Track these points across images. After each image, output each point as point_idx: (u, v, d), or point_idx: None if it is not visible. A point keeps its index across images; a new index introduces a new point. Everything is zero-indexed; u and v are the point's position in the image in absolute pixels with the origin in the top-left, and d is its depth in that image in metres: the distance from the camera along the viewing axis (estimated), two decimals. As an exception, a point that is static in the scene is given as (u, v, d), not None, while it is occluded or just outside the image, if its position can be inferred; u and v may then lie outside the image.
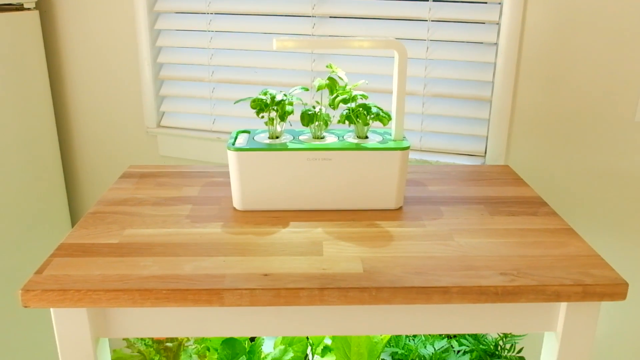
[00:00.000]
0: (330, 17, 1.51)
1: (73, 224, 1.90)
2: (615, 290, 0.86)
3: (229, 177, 1.24)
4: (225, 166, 1.29)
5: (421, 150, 1.52)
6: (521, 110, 1.41)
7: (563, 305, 0.90)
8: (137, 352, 1.05)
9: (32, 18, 1.66)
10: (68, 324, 0.87)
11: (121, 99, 1.73)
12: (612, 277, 0.87)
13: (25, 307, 0.83)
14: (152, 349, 1.04)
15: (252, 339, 1.14)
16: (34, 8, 1.67)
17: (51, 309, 0.86)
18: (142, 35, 1.64)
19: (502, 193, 1.19)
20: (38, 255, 1.77)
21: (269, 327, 0.90)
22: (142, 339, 1.07)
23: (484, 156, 1.47)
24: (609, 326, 1.47)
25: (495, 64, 1.40)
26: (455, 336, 1.13)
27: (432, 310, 0.90)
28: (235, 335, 0.90)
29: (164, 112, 1.73)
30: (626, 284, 0.86)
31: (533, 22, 1.34)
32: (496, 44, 1.39)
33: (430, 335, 1.12)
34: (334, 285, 0.84)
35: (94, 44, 1.71)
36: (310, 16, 1.51)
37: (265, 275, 0.86)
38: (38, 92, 1.70)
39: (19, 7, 1.64)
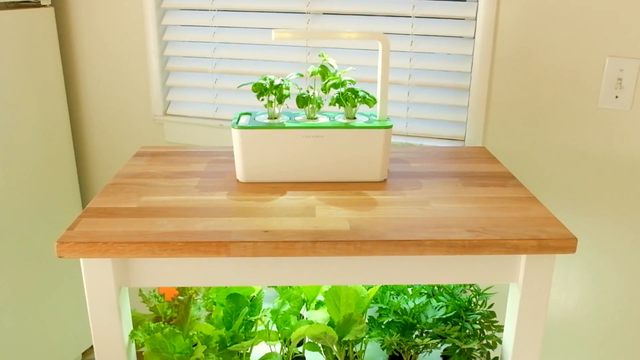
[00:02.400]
0: (324, 13, 1.65)
1: (84, 205, 2.03)
2: (567, 244, 1.00)
3: (232, 156, 1.37)
4: (228, 147, 1.43)
5: (407, 135, 1.66)
6: (496, 97, 1.55)
7: (523, 258, 1.04)
8: (152, 307, 1.19)
9: (48, 14, 1.80)
10: (95, 274, 1.01)
11: (130, 89, 1.87)
12: (564, 233, 1.01)
13: (60, 257, 0.97)
14: (165, 304, 1.18)
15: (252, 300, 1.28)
16: (50, 5, 1.81)
17: (81, 260, 0.99)
18: (150, 30, 1.78)
19: (476, 169, 1.33)
20: (51, 233, 1.90)
21: (269, 277, 1.04)
22: (155, 295, 1.20)
23: (464, 140, 1.61)
24: (565, 282, 1.61)
25: (473, 56, 1.54)
26: (433, 294, 1.27)
27: (409, 262, 1.04)
28: (239, 284, 1.04)
29: (170, 101, 1.87)
30: (575, 239, 1.00)
31: (506, 18, 1.48)
32: (473, 38, 1.53)
33: (411, 294, 1.26)
34: (325, 239, 0.98)
35: (105, 39, 1.84)
36: (305, 13, 1.65)
37: (266, 231, 1.00)
38: (52, 83, 1.84)
39: (36, 4, 1.77)
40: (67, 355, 2.08)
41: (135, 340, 1.08)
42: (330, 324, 1.14)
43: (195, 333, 1.09)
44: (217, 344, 1.10)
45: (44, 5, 1.79)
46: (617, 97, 1.44)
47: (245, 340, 1.11)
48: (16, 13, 1.69)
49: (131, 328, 1.10)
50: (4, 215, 1.73)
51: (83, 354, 2.23)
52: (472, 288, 1.26)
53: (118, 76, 1.87)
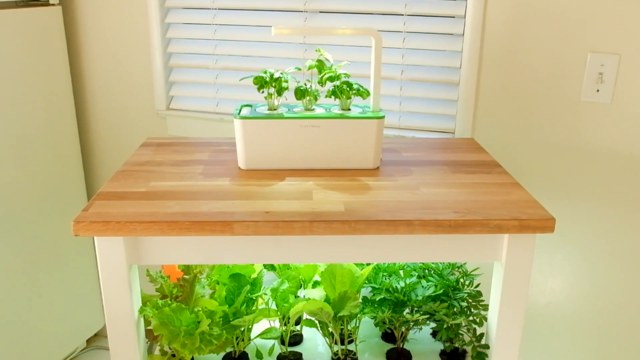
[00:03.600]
0: (320, 12, 1.73)
1: (89, 194, 2.11)
2: (546, 224, 1.08)
3: (233, 146, 1.45)
4: (229, 138, 1.51)
5: (400, 128, 1.74)
6: (484, 91, 1.63)
7: (505, 238, 1.12)
8: (159, 286, 1.26)
9: (55, 13, 1.87)
10: (108, 252, 1.08)
11: (134, 85, 1.95)
12: (543, 214, 1.09)
13: (76, 235, 1.04)
14: (170, 284, 1.25)
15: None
16: (58, 4, 1.88)
17: (95, 238, 1.07)
18: (154, 28, 1.86)
19: (464, 158, 1.42)
20: (58, 223, 1.98)
21: (269, 255, 1.11)
22: (161, 276, 1.27)
23: (454, 132, 1.69)
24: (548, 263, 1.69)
25: (462, 52, 1.62)
26: (424, 276, 1.35)
27: (400, 241, 1.11)
28: (242, 262, 1.12)
29: (172, 96, 1.94)
30: (553, 219, 1.08)
31: (493, 16, 1.56)
32: (462, 35, 1.61)
33: (403, 276, 1.34)
34: (321, 219, 1.06)
35: (110, 37, 1.92)
36: (302, 11, 1.73)
37: (266, 212, 1.08)
38: (60, 78, 1.91)
39: (45, 3, 1.85)
40: (72, 342, 2.15)
41: (144, 315, 1.16)
42: (327, 301, 1.21)
43: (200, 309, 1.17)
44: (221, 319, 1.17)
45: (53, 4, 1.86)
46: (598, 90, 1.52)
47: (247, 315, 1.19)
48: (26, 11, 1.77)
49: (140, 304, 1.17)
50: (13, 206, 1.81)
51: (87, 341, 2.31)
52: (460, 269, 1.34)
53: (123, 72, 1.95)
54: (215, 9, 1.81)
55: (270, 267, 1.36)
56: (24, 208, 1.85)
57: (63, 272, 2.04)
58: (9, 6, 1.75)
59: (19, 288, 1.87)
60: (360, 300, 1.25)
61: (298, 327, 1.35)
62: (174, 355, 1.22)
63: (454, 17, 1.63)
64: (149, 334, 1.26)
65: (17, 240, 1.83)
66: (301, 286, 1.34)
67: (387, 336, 1.34)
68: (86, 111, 2.03)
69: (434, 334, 1.35)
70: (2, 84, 1.72)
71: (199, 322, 1.16)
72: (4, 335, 1.83)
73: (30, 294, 1.91)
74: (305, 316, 1.28)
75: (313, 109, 1.33)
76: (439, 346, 1.32)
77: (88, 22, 1.93)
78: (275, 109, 1.32)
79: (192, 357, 1.24)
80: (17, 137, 1.78)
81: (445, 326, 1.23)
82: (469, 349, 1.27)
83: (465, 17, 1.59)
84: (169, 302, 1.16)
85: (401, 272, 1.36)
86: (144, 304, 1.18)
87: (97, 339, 2.35)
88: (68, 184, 2.00)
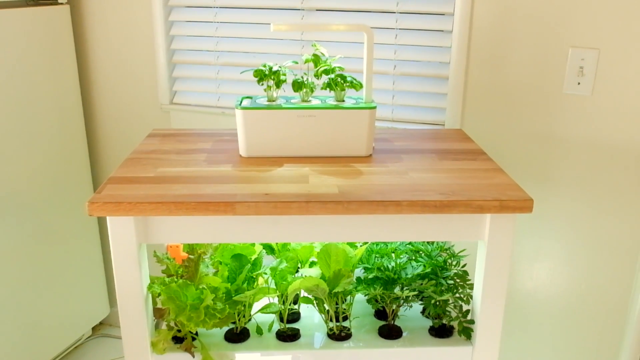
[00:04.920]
0: (317, 10, 1.82)
1: (95, 186, 2.19)
2: (524, 204, 1.17)
3: (234, 137, 1.54)
4: (231, 129, 1.60)
5: (392, 120, 1.82)
6: (472, 85, 1.72)
7: (487, 218, 1.20)
8: (165, 267, 1.35)
9: (64, 11, 1.96)
10: (119, 231, 1.17)
11: (139, 80, 2.03)
12: (522, 195, 1.18)
13: (90, 215, 1.13)
14: (176, 265, 1.34)
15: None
16: (66, 3, 1.97)
17: (107, 218, 1.16)
18: (158, 26, 1.94)
19: (452, 147, 1.50)
20: (65, 212, 2.07)
21: (269, 234, 1.20)
22: (167, 257, 1.36)
23: (444, 124, 1.78)
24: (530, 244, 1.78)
25: (451, 48, 1.71)
26: (414, 258, 1.43)
27: (390, 220, 1.20)
28: (243, 241, 1.20)
29: (176, 91, 2.03)
30: (531, 200, 1.17)
31: (480, 13, 1.65)
32: (451, 31, 1.70)
33: (394, 257, 1.42)
34: (317, 199, 1.14)
35: (116, 34, 2.01)
36: (299, 9, 1.82)
37: (266, 194, 1.17)
38: (67, 74, 2.00)
39: (54, 2, 1.94)
40: (78, 329, 2.24)
41: (152, 292, 1.24)
42: (322, 278, 1.30)
43: (204, 286, 1.25)
44: (224, 295, 1.26)
45: (61, 3, 1.95)
46: (579, 83, 1.61)
47: (248, 291, 1.27)
48: (36, 10, 1.86)
49: (149, 281, 1.26)
50: (22, 197, 1.89)
51: (93, 328, 2.39)
52: (447, 251, 1.43)
53: (128, 68, 2.03)
54: (217, 7, 1.90)
55: (270, 251, 1.45)
56: (33, 198, 1.93)
57: (69, 261, 2.13)
58: (20, 5, 1.83)
59: (27, 276, 1.95)
60: (354, 280, 1.34)
61: (296, 306, 1.44)
62: (179, 331, 1.31)
63: (443, 14, 1.72)
64: (156, 312, 1.35)
65: (24, 230, 1.92)
66: (299, 267, 1.43)
67: (380, 313, 1.42)
68: (93, 105, 2.12)
69: (424, 311, 1.44)
70: (13, 79, 1.80)
71: (203, 298, 1.25)
72: (12, 323, 1.91)
73: (38, 282, 2.00)
74: (302, 294, 1.37)
75: (309, 100, 1.42)
76: (428, 323, 1.41)
77: (95, 21, 2.02)
78: (274, 101, 1.41)
79: (197, 332, 1.33)
80: (27, 129, 1.87)
81: (433, 302, 1.32)
82: (455, 324, 1.36)
83: (454, 15, 1.68)
84: (176, 279, 1.25)
85: (393, 255, 1.44)
86: (152, 283, 1.26)
87: (102, 327, 2.43)
88: (75, 176, 2.09)
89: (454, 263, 1.40)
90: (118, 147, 2.14)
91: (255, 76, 1.38)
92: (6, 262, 1.86)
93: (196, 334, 1.32)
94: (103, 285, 2.31)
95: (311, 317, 1.43)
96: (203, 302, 1.21)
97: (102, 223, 2.27)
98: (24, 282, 1.94)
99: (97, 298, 2.30)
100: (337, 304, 1.36)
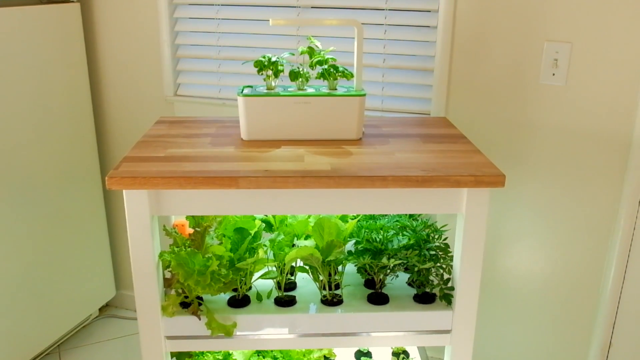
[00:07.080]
0: (312, 7, 1.95)
1: (103, 174, 2.32)
2: (497, 180, 1.30)
3: (236, 123, 1.67)
4: (233, 117, 1.73)
5: (382, 110, 1.96)
6: (456, 77, 1.86)
7: (465, 192, 1.34)
8: (173, 241, 1.48)
9: (74, 9, 2.09)
10: (135, 204, 1.30)
11: (145, 73, 2.17)
12: (495, 172, 1.32)
13: (109, 189, 1.26)
14: (183, 238, 1.47)
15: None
16: (77, 1, 2.10)
17: (124, 192, 1.29)
18: (163, 22, 2.08)
19: (436, 132, 1.64)
20: (74, 197, 2.20)
21: (268, 207, 1.33)
22: (176, 231, 1.49)
23: (430, 114, 1.92)
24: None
25: (436, 42, 1.85)
26: (401, 233, 1.57)
27: (377, 194, 1.34)
28: (245, 213, 1.34)
29: (180, 84, 2.17)
30: (503, 176, 1.30)
31: (462, 10, 1.79)
32: (436, 27, 1.84)
33: (381, 232, 1.56)
34: (312, 175, 1.28)
35: (124, 30, 2.14)
36: (296, 6, 1.95)
37: (266, 170, 1.30)
38: (77, 68, 2.13)
39: (65, 0, 2.07)
40: (86, 309, 2.36)
41: (162, 260, 1.38)
42: (316, 248, 1.43)
43: (210, 255, 1.39)
44: (228, 262, 1.39)
45: (71, 1, 2.08)
46: (554, 74, 1.75)
47: (249, 259, 1.41)
48: (48, 7, 1.99)
49: (160, 250, 1.39)
50: (34, 182, 2.02)
51: (100, 309, 2.52)
52: (431, 227, 1.56)
53: (135, 62, 2.17)
54: (219, 5, 2.03)
55: (269, 228, 1.58)
56: (44, 184, 2.06)
57: (78, 243, 2.26)
58: (34, 3, 1.97)
59: (36, 258, 2.08)
60: (345, 252, 1.47)
61: (293, 277, 1.57)
62: (186, 297, 1.44)
63: (429, 11, 1.86)
64: (165, 282, 1.48)
65: (34, 214, 2.05)
66: (295, 240, 1.56)
67: (369, 283, 1.56)
68: (101, 97, 2.25)
69: (410, 282, 1.58)
70: (27, 73, 1.93)
71: (209, 265, 1.38)
72: (19, 303, 2.04)
73: (46, 263, 2.12)
74: (298, 263, 1.50)
75: (305, 89, 1.55)
76: (413, 291, 1.54)
77: (104, 18, 2.15)
78: (272, 89, 1.54)
79: (202, 298, 1.46)
80: (40, 120, 2.00)
81: (416, 269, 1.45)
82: (437, 291, 1.49)
83: (438, 12, 1.82)
84: (184, 248, 1.38)
85: (381, 230, 1.58)
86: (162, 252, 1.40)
87: (108, 309, 2.56)
88: (83, 164, 2.22)
89: (437, 237, 1.53)
90: (125, 137, 2.28)
91: (256, 66, 1.51)
92: (18, 245, 1.99)
93: (202, 299, 1.46)
94: (110, 267, 2.44)
95: (306, 287, 1.56)
96: (209, 268, 1.34)
97: (109, 208, 2.40)
98: (34, 264, 2.07)
99: (104, 280, 2.43)
100: (330, 274, 1.49)
